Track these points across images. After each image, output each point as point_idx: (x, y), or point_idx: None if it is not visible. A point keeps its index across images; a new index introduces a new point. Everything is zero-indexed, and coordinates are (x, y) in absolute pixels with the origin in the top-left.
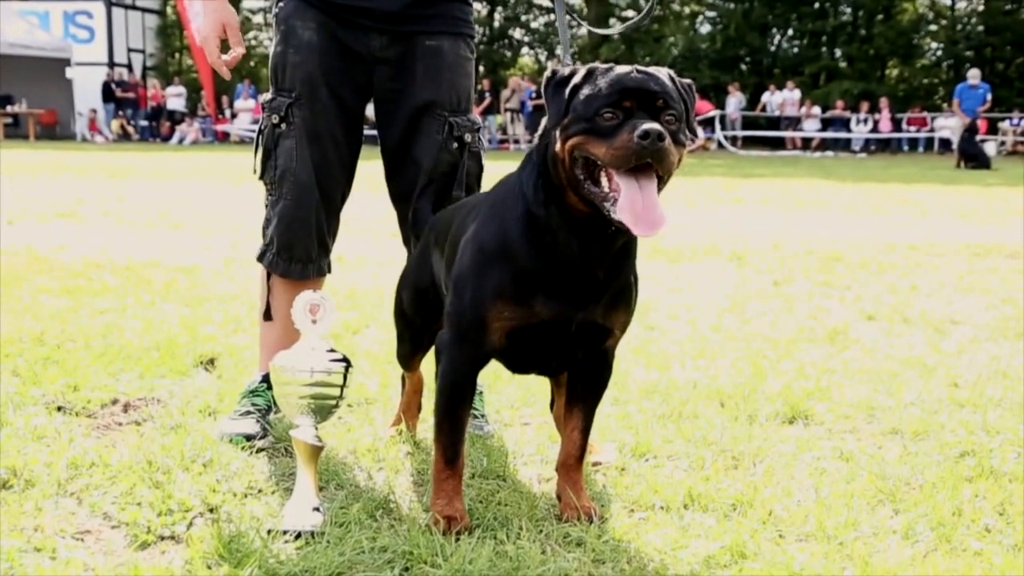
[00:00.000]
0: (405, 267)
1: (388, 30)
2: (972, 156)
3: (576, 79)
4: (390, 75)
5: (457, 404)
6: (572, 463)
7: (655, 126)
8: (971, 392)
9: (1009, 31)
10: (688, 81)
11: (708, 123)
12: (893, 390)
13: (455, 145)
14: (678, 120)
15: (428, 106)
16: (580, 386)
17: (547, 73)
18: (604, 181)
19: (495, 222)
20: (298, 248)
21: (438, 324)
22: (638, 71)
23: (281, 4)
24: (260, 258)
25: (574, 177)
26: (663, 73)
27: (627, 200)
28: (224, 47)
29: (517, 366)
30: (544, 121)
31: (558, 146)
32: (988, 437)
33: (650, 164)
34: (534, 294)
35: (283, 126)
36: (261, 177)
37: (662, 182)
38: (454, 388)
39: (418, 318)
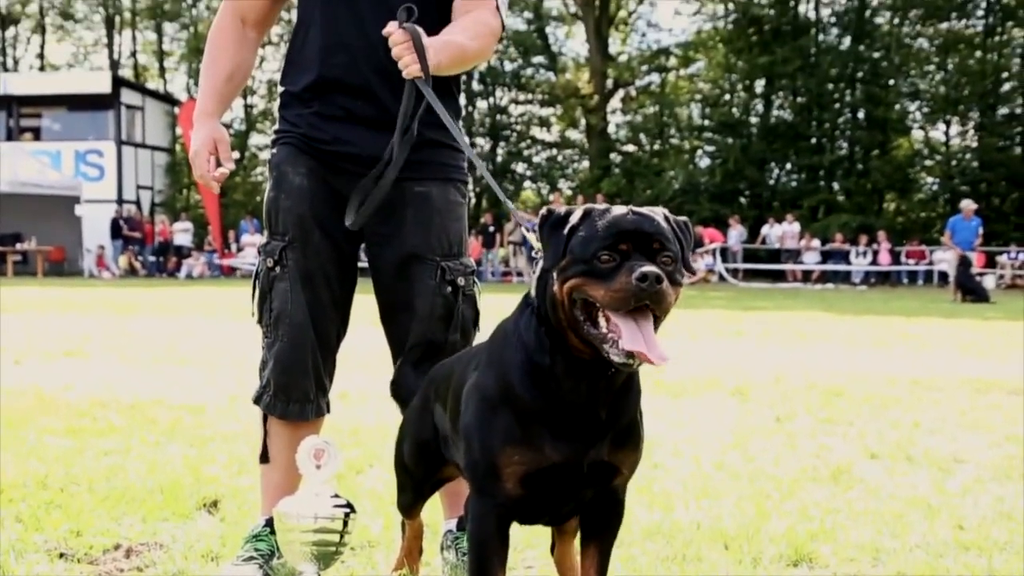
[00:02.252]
0: (404, 419)
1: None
2: (970, 290)
3: (573, 220)
4: (380, 220)
5: (488, 563)
6: None
7: (652, 268)
8: (976, 535)
9: (1003, 167)
10: (684, 219)
11: (710, 255)
12: (898, 532)
13: (449, 289)
14: (674, 260)
15: (419, 251)
16: (593, 526)
17: (543, 212)
18: (602, 322)
19: (495, 370)
20: (295, 389)
21: (440, 475)
22: (634, 212)
23: (274, 151)
24: (257, 400)
25: (574, 319)
26: (658, 214)
27: (629, 339)
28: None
29: (528, 516)
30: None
31: (556, 288)
32: None
33: (647, 305)
34: (542, 437)
35: (278, 269)
36: (259, 320)
37: (658, 321)
38: (481, 546)
39: (420, 470)
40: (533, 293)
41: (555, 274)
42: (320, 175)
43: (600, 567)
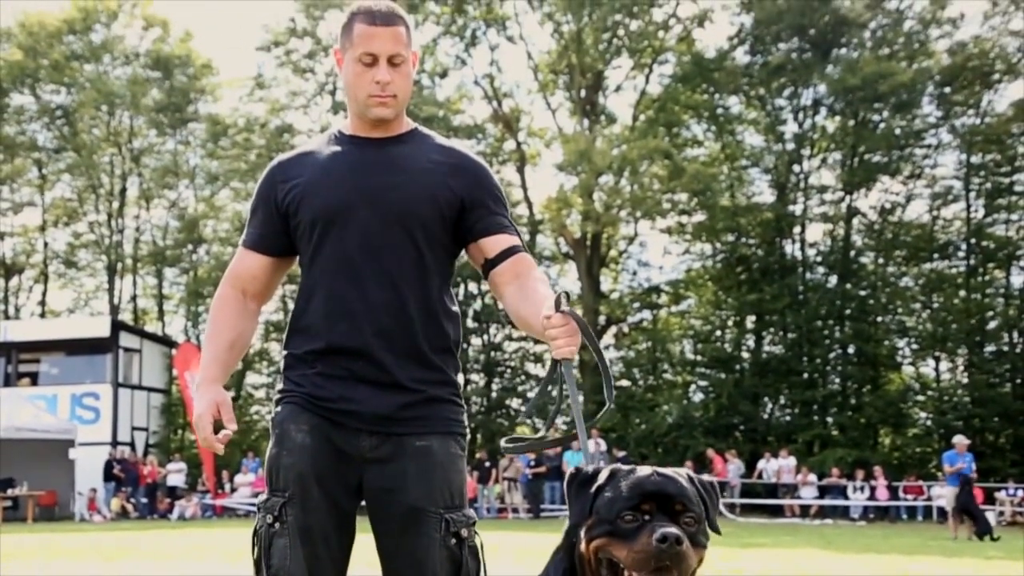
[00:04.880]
0: None
1: (378, 431)
2: (971, 514)
3: (600, 480)
4: (381, 475)
5: None
6: None
7: (673, 530)
8: None
9: (995, 403)
10: (710, 480)
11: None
12: None
13: (453, 541)
14: (697, 522)
15: (422, 504)
16: None
17: (571, 471)
18: None
19: None
20: None
21: None
22: (658, 474)
23: (277, 410)
24: None
25: None
26: (682, 475)
27: None
28: (218, 428)
29: None
30: (568, 521)
31: (583, 546)
32: None
33: (669, 566)
34: None
35: (277, 525)
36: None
37: None
38: None
39: None
40: (561, 548)
41: (582, 532)
42: (323, 432)
43: None
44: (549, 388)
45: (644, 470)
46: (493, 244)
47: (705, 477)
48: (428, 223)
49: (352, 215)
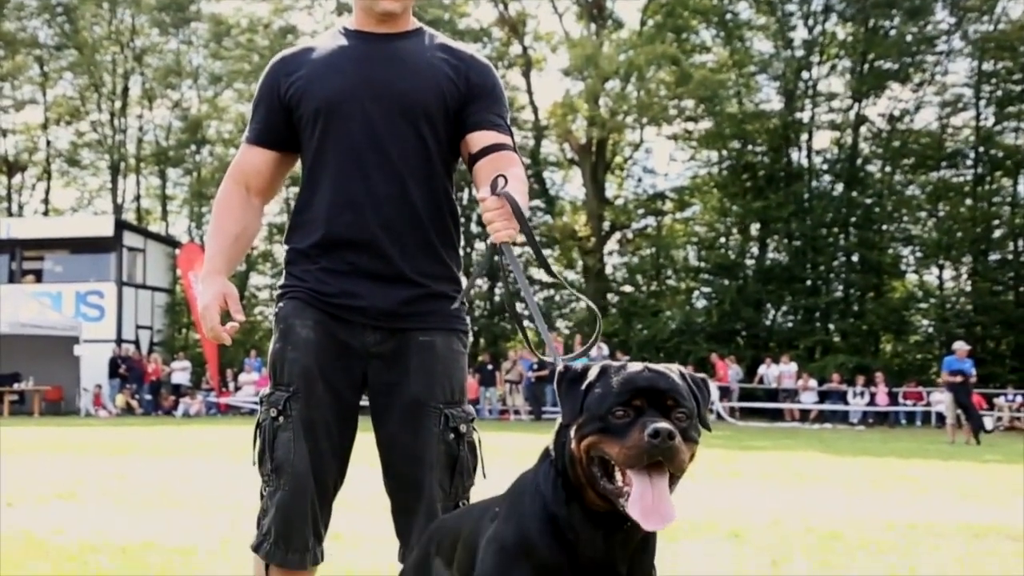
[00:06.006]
0: (402, 572)
1: (382, 327)
2: (966, 407)
3: (590, 377)
4: (384, 369)
5: None
6: None
7: (665, 425)
8: None
9: (997, 311)
10: (702, 376)
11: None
12: None
13: (451, 436)
14: (689, 417)
15: (423, 399)
16: None
17: (560, 369)
18: (618, 477)
19: (514, 521)
20: (296, 538)
21: None
22: (649, 369)
23: (280, 305)
24: (257, 548)
25: (591, 475)
26: (674, 371)
27: (638, 495)
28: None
29: None
30: (559, 419)
31: (574, 445)
32: None
33: (661, 462)
34: None
35: (281, 419)
36: (259, 468)
37: (674, 479)
38: None
39: None
40: (552, 446)
41: (572, 430)
42: (327, 327)
43: None
44: (484, 274)
45: (635, 366)
46: (480, 139)
47: (696, 373)
48: (433, 117)
49: (356, 107)
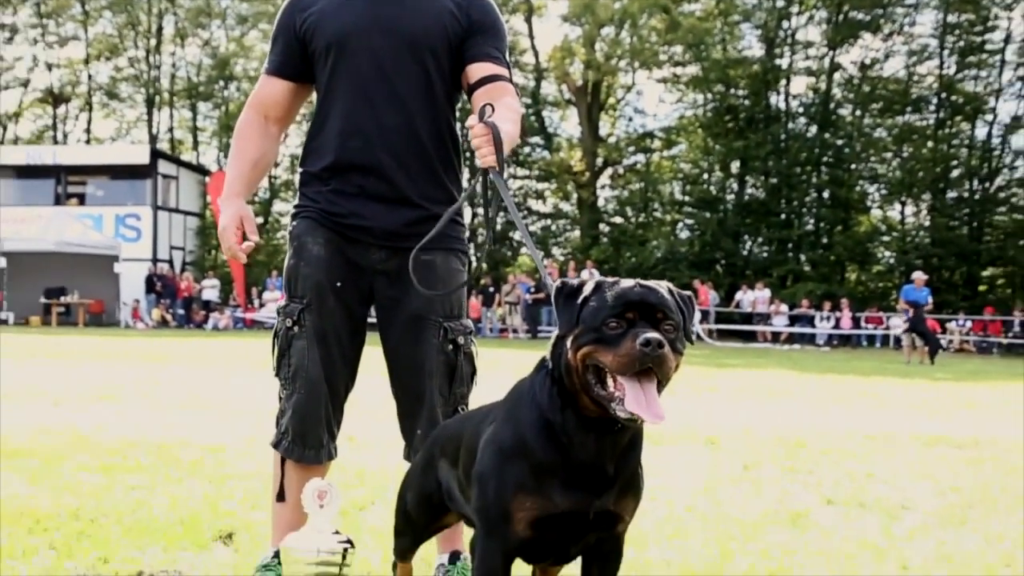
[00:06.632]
0: (408, 474)
1: (386, 246)
2: (923, 334)
3: (585, 291)
4: (389, 285)
5: None
6: None
7: (655, 335)
8: (919, 575)
9: (952, 244)
10: (688, 293)
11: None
12: (849, 572)
13: (450, 347)
14: (676, 329)
15: (424, 313)
16: (594, 570)
17: (558, 284)
18: (611, 383)
19: (511, 424)
20: (310, 436)
21: (439, 524)
22: (640, 285)
23: (295, 223)
24: (276, 445)
25: (586, 382)
26: (663, 287)
27: (632, 397)
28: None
29: (537, 555)
30: (556, 330)
31: (571, 355)
32: None
33: (651, 369)
34: (552, 487)
35: (296, 328)
36: (277, 374)
37: (661, 385)
38: None
39: (422, 518)
40: (549, 356)
41: (568, 341)
42: (336, 245)
43: None
44: (477, 199)
45: (627, 282)
46: (478, 70)
47: (683, 291)
48: (437, 51)
49: (365, 41)
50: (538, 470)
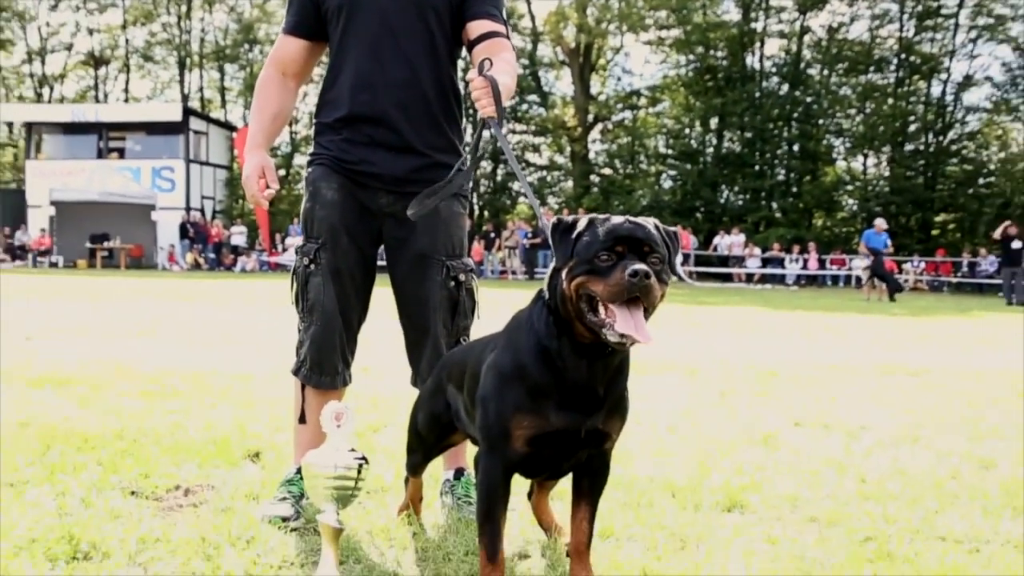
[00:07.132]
0: (419, 397)
1: (394, 191)
2: (883, 277)
3: (579, 227)
4: (396, 226)
5: (494, 508)
6: (582, 549)
7: (642, 267)
8: (875, 487)
9: (909, 192)
10: (674, 229)
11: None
12: (813, 485)
13: (452, 284)
14: (662, 262)
15: (428, 252)
16: (584, 483)
17: (554, 221)
18: (602, 311)
19: (511, 351)
20: (327, 364)
21: (447, 442)
22: (629, 221)
23: (310, 170)
24: (296, 372)
25: (579, 310)
26: (650, 223)
27: (622, 321)
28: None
29: (533, 470)
30: (552, 263)
31: (565, 285)
32: (887, 525)
33: (638, 297)
34: (548, 407)
35: (312, 266)
36: (296, 307)
37: (648, 312)
38: (490, 493)
39: (432, 437)
40: (545, 288)
41: (563, 273)
42: (348, 190)
43: (590, 517)
44: (481, 151)
45: (617, 218)
46: (477, 27)
47: (669, 227)
48: (440, 10)
49: (374, 1)
50: (535, 392)
